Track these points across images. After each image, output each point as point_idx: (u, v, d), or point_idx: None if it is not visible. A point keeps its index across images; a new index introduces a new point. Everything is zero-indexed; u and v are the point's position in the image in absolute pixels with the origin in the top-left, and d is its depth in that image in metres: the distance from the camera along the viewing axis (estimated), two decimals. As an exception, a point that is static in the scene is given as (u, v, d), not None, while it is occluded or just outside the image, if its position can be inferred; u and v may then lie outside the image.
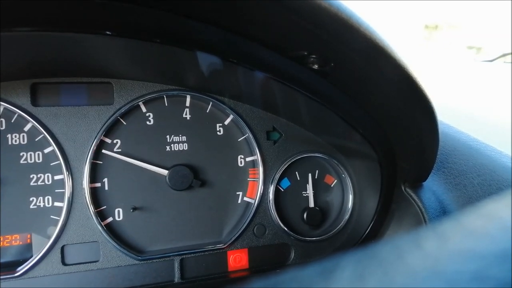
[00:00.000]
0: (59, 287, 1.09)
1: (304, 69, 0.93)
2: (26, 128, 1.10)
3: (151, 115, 1.20)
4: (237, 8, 0.75)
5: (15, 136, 1.09)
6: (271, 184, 1.28)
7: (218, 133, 1.26)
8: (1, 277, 1.04)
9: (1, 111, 1.08)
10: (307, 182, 1.34)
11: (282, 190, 1.32)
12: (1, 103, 1.06)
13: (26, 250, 1.09)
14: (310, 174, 1.34)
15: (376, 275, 0.28)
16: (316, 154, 1.34)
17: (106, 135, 1.15)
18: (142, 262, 1.15)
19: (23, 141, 1.10)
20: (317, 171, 1.36)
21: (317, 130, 1.33)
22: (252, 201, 1.27)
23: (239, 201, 1.28)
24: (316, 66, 0.90)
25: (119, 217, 1.16)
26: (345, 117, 1.15)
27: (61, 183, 1.11)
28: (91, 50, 0.99)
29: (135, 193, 1.17)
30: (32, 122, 1.09)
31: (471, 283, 0.25)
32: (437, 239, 0.31)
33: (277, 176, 1.29)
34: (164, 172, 1.17)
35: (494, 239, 0.29)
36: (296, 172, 1.34)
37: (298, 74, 1.00)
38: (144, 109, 1.19)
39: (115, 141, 1.16)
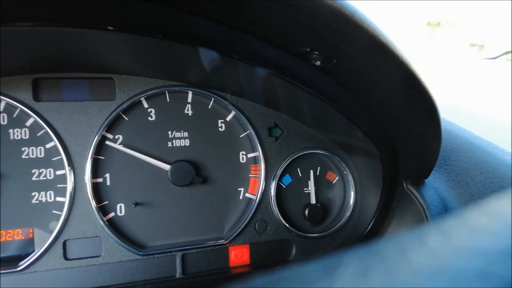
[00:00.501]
0: (60, 282, 1.09)
1: (306, 66, 0.92)
2: (28, 123, 1.10)
3: (153, 110, 1.20)
4: (237, 7, 0.74)
5: (17, 131, 1.09)
6: (273, 180, 1.28)
7: (220, 129, 1.26)
8: (3, 271, 1.04)
9: (3, 106, 1.08)
10: (309, 179, 1.34)
11: (284, 186, 1.32)
12: (3, 98, 1.06)
13: (28, 245, 1.09)
14: (311, 171, 1.34)
15: (379, 272, 0.28)
16: (318, 151, 1.34)
17: (108, 131, 1.15)
18: (144, 257, 1.16)
19: (25, 136, 1.10)
20: (318, 167, 1.36)
21: (319, 127, 1.33)
22: (254, 197, 1.27)
23: (241, 197, 1.28)
24: (318, 63, 0.90)
25: (121, 213, 1.16)
26: (347, 114, 1.14)
27: (63, 178, 1.11)
28: (93, 45, 0.98)
29: (137, 189, 1.17)
30: (34, 117, 1.09)
31: (475, 280, 0.25)
32: (440, 236, 0.31)
33: (279, 172, 1.29)
34: (167, 167, 1.17)
35: (497, 237, 0.29)
36: (298, 169, 1.33)
37: (300, 70, 0.99)
38: (146, 105, 1.19)
39: (117, 137, 1.16)
